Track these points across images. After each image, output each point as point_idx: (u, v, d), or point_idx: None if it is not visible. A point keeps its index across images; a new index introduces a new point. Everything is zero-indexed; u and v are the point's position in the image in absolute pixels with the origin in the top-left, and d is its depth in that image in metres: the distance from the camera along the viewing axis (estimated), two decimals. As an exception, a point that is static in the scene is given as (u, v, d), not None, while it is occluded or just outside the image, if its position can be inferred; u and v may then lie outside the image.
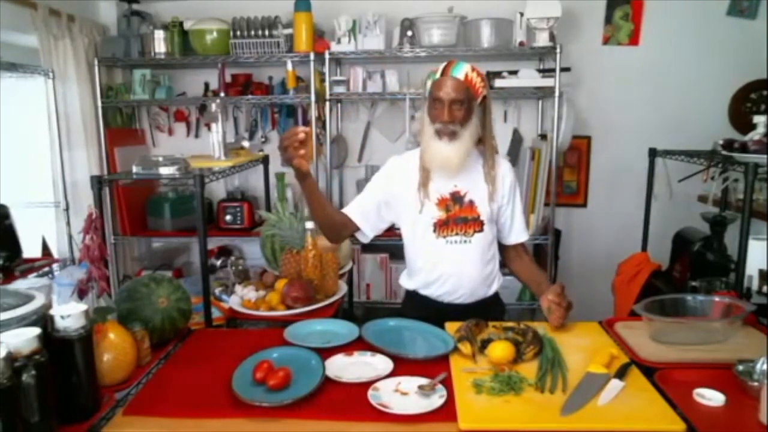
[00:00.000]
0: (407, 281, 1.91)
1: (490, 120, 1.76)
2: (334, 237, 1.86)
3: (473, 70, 1.68)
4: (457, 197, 1.76)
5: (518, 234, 1.87)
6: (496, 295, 1.90)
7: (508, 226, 1.85)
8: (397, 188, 1.80)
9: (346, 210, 1.82)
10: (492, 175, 1.77)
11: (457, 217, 1.76)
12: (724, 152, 2.14)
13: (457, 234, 1.77)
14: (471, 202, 1.76)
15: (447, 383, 1.32)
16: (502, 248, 1.91)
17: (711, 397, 1.24)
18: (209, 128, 2.65)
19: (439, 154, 1.69)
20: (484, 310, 1.77)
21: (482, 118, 1.73)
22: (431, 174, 1.75)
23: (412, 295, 1.89)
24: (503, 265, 1.92)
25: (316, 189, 1.72)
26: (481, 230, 1.78)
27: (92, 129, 3.05)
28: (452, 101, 1.64)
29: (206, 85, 3.39)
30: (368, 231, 1.83)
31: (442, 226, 1.76)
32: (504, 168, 1.82)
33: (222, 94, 3.18)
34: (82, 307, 1.18)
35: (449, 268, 1.79)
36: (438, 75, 1.68)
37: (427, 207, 1.76)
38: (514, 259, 1.92)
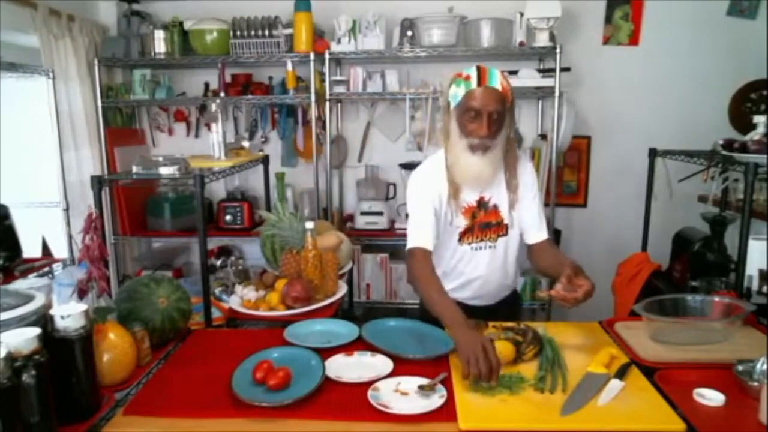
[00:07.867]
0: None
1: (515, 123, 1.70)
2: None
3: (503, 75, 1.61)
4: (482, 203, 1.73)
5: (538, 231, 1.77)
6: (514, 292, 1.91)
7: (530, 224, 1.77)
8: (436, 198, 1.72)
9: (423, 245, 1.67)
10: (514, 183, 1.72)
11: (482, 223, 1.73)
12: (724, 152, 2.13)
13: (482, 240, 1.75)
14: (495, 207, 1.73)
15: (447, 383, 1.32)
16: (528, 248, 1.82)
17: (711, 397, 1.24)
18: (209, 128, 2.65)
19: (473, 170, 1.63)
20: (504, 309, 1.78)
21: (510, 123, 1.67)
22: (461, 186, 1.70)
23: None
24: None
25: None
26: (506, 234, 1.75)
27: (92, 129, 3.04)
28: (491, 113, 1.57)
29: (206, 85, 3.39)
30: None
31: (466, 233, 1.74)
32: (526, 172, 1.76)
33: (222, 94, 3.18)
34: (82, 307, 1.18)
35: (473, 274, 1.78)
36: (473, 84, 1.58)
37: (457, 217, 1.73)
38: (540, 255, 1.78)
